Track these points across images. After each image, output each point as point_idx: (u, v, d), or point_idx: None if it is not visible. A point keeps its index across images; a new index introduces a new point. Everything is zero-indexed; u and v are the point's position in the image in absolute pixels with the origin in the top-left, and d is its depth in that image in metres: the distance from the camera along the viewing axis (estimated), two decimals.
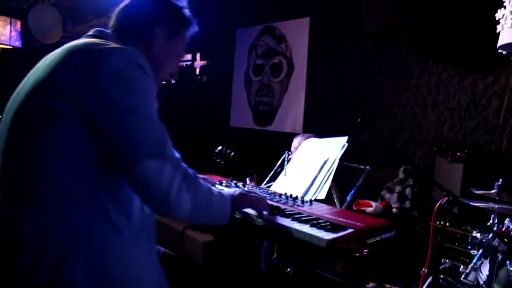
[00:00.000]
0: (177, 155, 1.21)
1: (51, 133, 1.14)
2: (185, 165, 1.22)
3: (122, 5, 1.42)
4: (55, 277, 1.10)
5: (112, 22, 1.41)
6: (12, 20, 5.88)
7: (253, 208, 1.53)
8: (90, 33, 1.36)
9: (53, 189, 1.13)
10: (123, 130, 1.13)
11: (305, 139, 3.14)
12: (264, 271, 3.26)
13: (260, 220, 1.51)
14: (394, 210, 3.29)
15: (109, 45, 1.24)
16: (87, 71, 1.15)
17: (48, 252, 1.10)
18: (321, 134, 3.07)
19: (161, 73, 1.45)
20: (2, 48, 6.69)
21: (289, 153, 2.46)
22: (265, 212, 1.52)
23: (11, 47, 6.10)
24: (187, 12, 1.46)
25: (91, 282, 1.12)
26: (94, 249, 1.14)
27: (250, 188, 1.98)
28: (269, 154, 3.30)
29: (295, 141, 3.31)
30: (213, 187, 1.36)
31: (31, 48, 6.73)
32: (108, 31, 1.39)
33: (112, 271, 1.16)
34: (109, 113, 1.13)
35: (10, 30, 5.84)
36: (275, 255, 3.16)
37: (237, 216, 1.58)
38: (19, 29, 6.06)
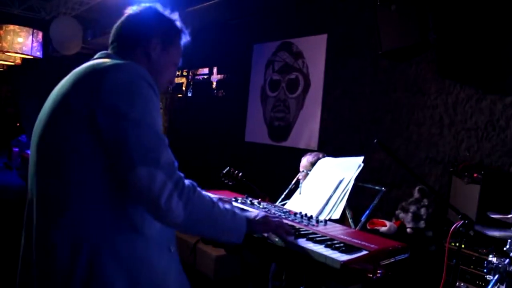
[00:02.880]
0: (174, 165, 1.24)
1: (74, 152, 1.22)
2: (181, 175, 1.25)
3: (119, 21, 1.52)
4: (91, 279, 1.18)
5: (111, 37, 1.51)
6: (34, 31, 6.03)
7: (274, 234, 1.52)
8: (96, 56, 1.45)
9: (80, 199, 1.21)
10: (121, 138, 1.18)
11: (313, 158, 3.12)
12: None
13: (276, 239, 1.51)
14: (408, 230, 3.25)
15: (113, 62, 1.32)
16: (93, 87, 1.23)
17: (81, 257, 1.18)
18: (336, 151, 3.05)
19: (161, 80, 1.53)
20: (23, 58, 6.86)
21: (304, 171, 2.45)
22: (289, 238, 1.51)
23: (32, 57, 6.24)
24: (178, 24, 1.57)
25: (123, 281, 1.21)
26: (121, 252, 1.22)
27: (265, 206, 1.99)
28: (284, 170, 3.29)
29: (304, 160, 3.23)
30: (226, 204, 1.39)
31: (52, 58, 6.86)
32: (109, 50, 1.48)
33: (140, 272, 1.25)
34: (111, 122, 1.19)
35: (32, 40, 5.98)
36: (283, 278, 3.11)
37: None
38: (41, 40, 6.20)
